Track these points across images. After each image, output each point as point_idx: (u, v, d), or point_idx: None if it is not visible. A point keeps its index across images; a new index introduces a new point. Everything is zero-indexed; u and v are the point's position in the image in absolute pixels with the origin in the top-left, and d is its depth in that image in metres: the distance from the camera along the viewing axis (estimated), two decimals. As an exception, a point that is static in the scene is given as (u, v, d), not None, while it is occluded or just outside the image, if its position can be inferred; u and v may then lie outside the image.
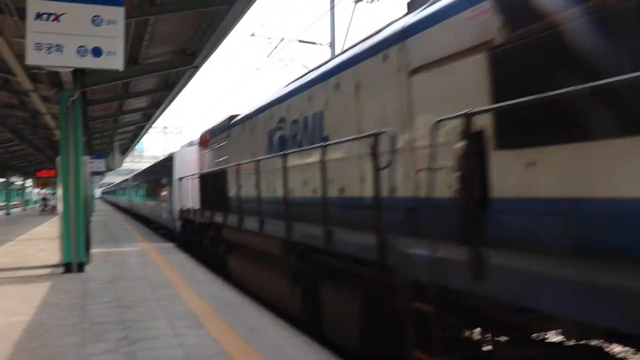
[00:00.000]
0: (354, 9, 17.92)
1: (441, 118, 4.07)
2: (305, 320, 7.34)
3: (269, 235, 8.21)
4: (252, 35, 20.11)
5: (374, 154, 4.95)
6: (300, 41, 19.89)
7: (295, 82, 9.50)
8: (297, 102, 8.68)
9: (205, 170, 15.25)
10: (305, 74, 9.40)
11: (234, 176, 11.43)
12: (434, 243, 4.07)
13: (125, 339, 6.23)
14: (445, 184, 4.65)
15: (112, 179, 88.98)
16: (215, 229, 12.49)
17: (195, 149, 18.26)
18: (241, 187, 10.11)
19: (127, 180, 48.78)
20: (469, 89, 4.63)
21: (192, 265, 12.43)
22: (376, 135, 4.98)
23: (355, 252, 5.52)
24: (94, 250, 13.25)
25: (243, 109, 14.82)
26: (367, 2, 18.16)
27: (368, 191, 6.10)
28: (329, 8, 18.47)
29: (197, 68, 14.32)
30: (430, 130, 4.06)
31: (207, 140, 15.91)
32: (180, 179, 16.36)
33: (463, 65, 4.73)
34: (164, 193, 23.18)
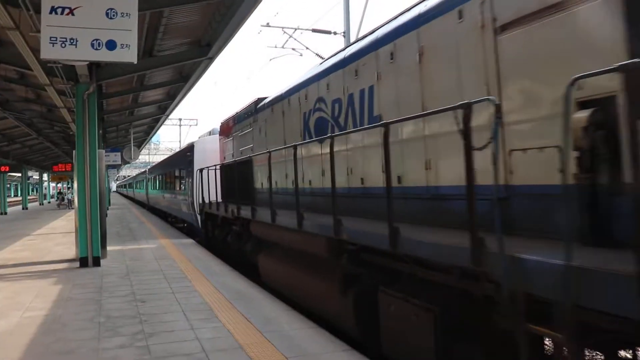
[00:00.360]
0: (368, -1, 17.73)
1: (579, 76, 2.99)
2: (358, 334, 6.27)
3: (310, 233, 7.04)
4: (267, 25, 19.98)
5: (466, 130, 3.86)
6: (314, 30, 19.75)
7: (337, 55, 8.40)
8: (340, 78, 7.70)
9: (228, 161, 14.44)
10: (347, 46, 8.39)
11: (262, 165, 10.70)
12: (568, 246, 2.99)
13: (141, 332, 6.20)
14: (549, 167, 3.73)
15: (129, 172, 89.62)
16: (241, 224, 11.40)
17: (216, 138, 17.54)
18: (272, 178, 8.97)
19: (143, 172, 47.31)
20: (590, 43, 3.67)
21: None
22: (469, 106, 3.86)
23: (433, 256, 4.46)
24: (109, 248, 13.23)
25: (267, 94, 13.67)
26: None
27: (435, 178, 5.46)
28: (343, -2, 18.30)
29: (212, 59, 14.25)
30: (565, 94, 2.97)
31: (229, 128, 15.04)
32: (201, 170, 14.56)
33: (581, 12, 3.75)
34: (183, 185, 21.74)
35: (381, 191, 5.68)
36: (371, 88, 6.78)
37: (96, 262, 11.37)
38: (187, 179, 20.18)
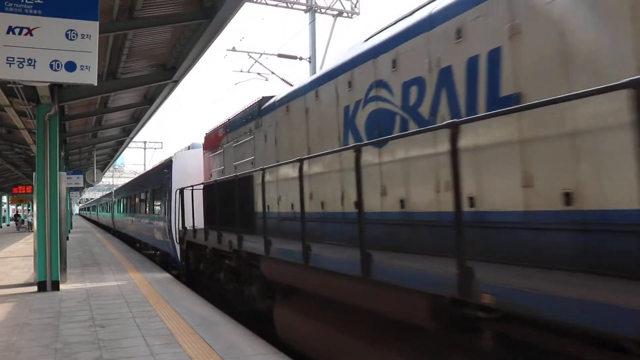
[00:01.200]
0: (333, 24, 18.02)
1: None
2: None
3: (395, 287, 4.37)
4: (233, 49, 20.07)
5: None
6: (280, 55, 19.90)
7: (409, 18, 5.83)
8: (421, 48, 5.25)
9: (216, 178, 11.89)
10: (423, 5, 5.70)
11: (283, 182, 8.44)
12: None
13: (100, 358, 6.06)
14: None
15: (92, 194, 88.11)
16: (242, 259, 8.70)
17: (198, 153, 15.25)
18: (303, 198, 6.06)
19: (109, 194, 43.03)
20: None
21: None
22: None
23: None
24: (67, 287, 12.47)
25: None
26: (347, 17, 18.29)
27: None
28: (308, 22, 18.53)
29: (177, 82, 14.22)
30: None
31: (218, 139, 12.68)
32: (182, 190, 12.14)
33: None
34: (157, 208, 18.81)
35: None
36: (495, 53, 4.35)
37: (55, 287, 11.10)
38: (163, 201, 17.38)
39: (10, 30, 7.34)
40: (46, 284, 11.04)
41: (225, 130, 12.03)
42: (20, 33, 7.39)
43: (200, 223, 11.95)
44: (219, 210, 9.97)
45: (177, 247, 14.12)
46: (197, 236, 11.35)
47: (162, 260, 18.35)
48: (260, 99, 9.97)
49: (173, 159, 16.46)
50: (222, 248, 9.35)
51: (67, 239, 16.84)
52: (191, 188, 11.68)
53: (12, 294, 10.88)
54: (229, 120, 12.00)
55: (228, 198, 9.55)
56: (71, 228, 38.49)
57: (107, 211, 43.30)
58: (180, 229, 12.84)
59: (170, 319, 8.13)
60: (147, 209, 20.90)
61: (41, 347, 6.66)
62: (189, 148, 17.38)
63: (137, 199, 24.34)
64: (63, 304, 9.57)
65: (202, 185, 11.93)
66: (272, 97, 9.68)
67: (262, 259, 7.54)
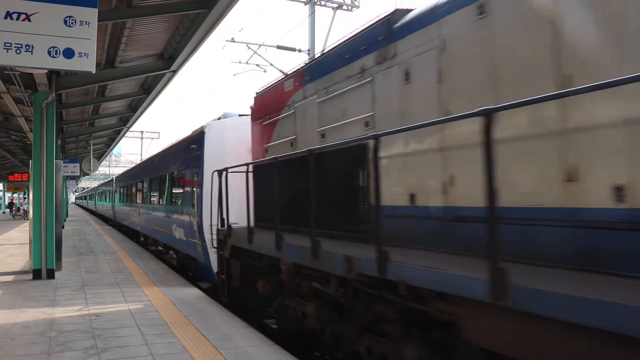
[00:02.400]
0: (333, 16, 17.96)
1: None
2: None
3: None
4: (232, 40, 20.00)
5: None
6: (279, 47, 19.84)
7: None
8: None
9: (274, 154, 7.84)
10: None
11: (429, 152, 5.01)
12: None
13: (94, 347, 6.06)
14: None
15: (88, 183, 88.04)
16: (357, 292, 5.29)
17: (239, 122, 11.50)
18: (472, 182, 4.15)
19: (110, 181, 37.48)
20: None
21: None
22: None
23: None
24: (62, 275, 12.54)
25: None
26: (347, 9, 18.24)
27: None
28: (308, 15, 18.47)
29: (175, 72, 14.18)
30: None
31: (279, 98, 8.58)
32: (222, 172, 8.33)
33: None
34: (180, 197, 13.93)
35: None
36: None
37: (50, 275, 11.08)
38: (188, 187, 12.91)
39: (8, 15, 7.29)
40: (41, 271, 11.02)
41: (300, 80, 8.00)
42: (18, 18, 7.34)
43: (239, 219, 8.49)
44: (289, 203, 6.85)
45: (211, 252, 10.30)
46: (255, 241, 7.32)
47: (180, 264, 14.77)
48: (393, 12, 5.84)
49: (206, 131, 11.88)
50: (321, 267, 5.51)
51: (63, 227, 16.76)
52: (246, 168, 8.33)
53: (6, 281, 10.86)
54: (307, 64, 8.29)
55: (308, 183, 5.75)
56: (67, 217, 38.41)
57: (107, 200, 38.33)
58: (220, 227, 8.93)
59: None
60: (163, 199, 16.23)
61: (35, 335, 6.65)
62: (224, 117, 12.97)
63: (147, 186, 19.61)
64: (58, 292, 9.55)
65: (249, 166, 8.43)
66: (410, 10, 5.76)
67: (470, 307, 3.66)
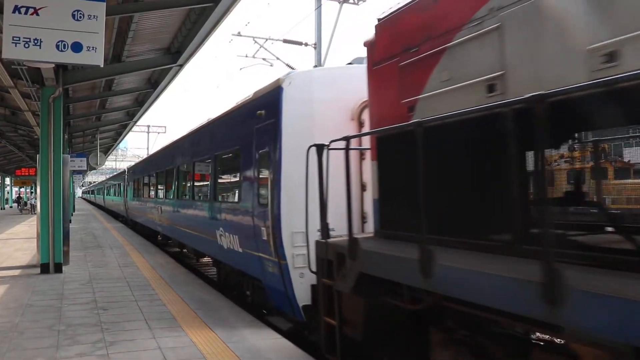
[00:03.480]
0: (339, 10, 17.89)
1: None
2: None
3: None
4: (238, 34, 19.96)
5: None
6: (286, 41, 19.78)
7: None
8: None
9: (468, 109, 3.95)
10: None
11: None
12: None
13: (102, 340, 6.08)
14: None
15: (95, 178, 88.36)
16: None
17: (337, 75, 7.96)
18: None
19: (122, 173, 32.40)
20: None
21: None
22: None
23: None
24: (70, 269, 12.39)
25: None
26: (353, 3, 18.17)
27: None
28: (314, 8, 18.41)
29: (181, 67, 14.17)
30: None
31: (453, 12, 4.58)
32: (323, 149, 5.51)
33: None
34: (237, 190, 9.50)
35: None
36: None
37: (58, 269, 11.13)
38: (251, 175, 8.57)
39: (16, 9, 7.30)
40: (49, 266, 11.07)
41: None
42: (26, 12, 7.35)
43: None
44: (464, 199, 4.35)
45: (294, 274, 6.93)
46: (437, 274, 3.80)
47: (224, 281, 10.92)
48: None
49: (284, 86, 7.53)
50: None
51: (70, 222, 16.81)
52: (372, 140, 5.60)
53: (15, 275, 10.91)
54: None
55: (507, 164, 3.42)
56: (74, 211, 38.53)
57: (117, 195, 33.89)
58: (322, 239, 5.56)
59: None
60: (202, 192, 12.46)
61: (44, 328, 6.68)
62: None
63: (174, 176, 15.03)
64: (66, 286, 9.59)
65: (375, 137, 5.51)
66: None
67: None
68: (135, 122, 25.22)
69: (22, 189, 61.38)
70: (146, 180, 21.19)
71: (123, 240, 18.77)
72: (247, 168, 8.68)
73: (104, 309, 7.76)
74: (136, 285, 9.69)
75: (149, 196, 20.33)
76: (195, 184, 12.89)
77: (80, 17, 7.62)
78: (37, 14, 7.41)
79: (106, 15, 8.15)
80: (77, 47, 7.61)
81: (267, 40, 20.04)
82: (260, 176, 8.09)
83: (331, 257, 5.31)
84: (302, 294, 6.87)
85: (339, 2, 18.00)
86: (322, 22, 18.69)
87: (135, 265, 12.35)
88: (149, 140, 55.13)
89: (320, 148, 5.48)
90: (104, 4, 7.84)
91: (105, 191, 46.84)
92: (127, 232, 22.82)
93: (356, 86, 6.67)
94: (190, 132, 13.93)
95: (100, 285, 9.64)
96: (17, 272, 11.31)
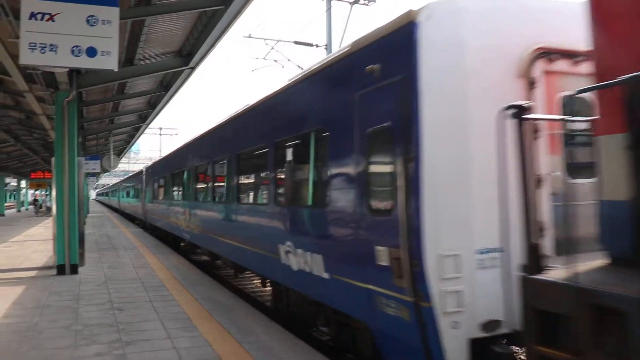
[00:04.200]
0: (350, 11, 17.94)
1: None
2: None
3: None
4: (249, 36, 20.07)
5: None
6: (297, 42, 19.86)
7: None
8: None
9: None
10: None
11: None
12: None
13: (118, 340, 6.17)
14: None
15: (108, 180, 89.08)
16: None
17: (501, 6, 4.88)
18: None
19: (139, 173, 29.61)
20: None
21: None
22: None
23: None
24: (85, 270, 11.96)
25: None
26: (364, 4, 18.20)
27: None
28: (325, 10, 18.47)
29: (193, 69, 14.27)
30: None
31: None
32: (524, 112, 3.59)
33: None
34: (329, 188, 6.03)
35: None
36: None
37: (74, 270, 11.27)
38: (354, 167, 5.52)
39: (33, 16, 7.43)
40: (65, 267, 11.22)
41: None
42: (42, 19, 7.48)
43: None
44: None
45: (444, 323, 4.29)
46: None
47: (287, 310, 8.09)
48: None
49: (420, 20, 4.61)
50: None
51: (84, 223, 16.92)
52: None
53: (32, 276, 11.06)
54: None
55: None
56: (88, 213, 38.85)
57: (135, 196, 31.11)
58: (534, 276, 3.42)
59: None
60: (259, 193, 9.65)
61: (62, 328, 6.79)
62: None
63: (209, 173, 12.16)
64: (82, 287, 9.72)
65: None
66: None
67: None
68: (148, 124, 25.39)
69: (38, 192, 62.03)
70: (170, 179, 18.10)
71: (137, 242, 18.92)
72: (340, 156, 5.87)
73: (120, 309, 7.86)
74: (151, 286, 9.80)
75: (173, 198, 17.34)
76: (241, 182, 9.97)
77: (94, 22, 7.74)
78: (53, 20, 7.54)
79: (119, 20, 8.27)
80: (91, 52, 7.73)
81: (278, 42, 20.12)
82: (372, 168, 5.27)
83: (560, 309, 3.14)
84: (456, 355, 4.32)
85: (350, 3, 18.05)
86: (333, 23, 18.76)
87: (149, 266, 12.48)
88: (161, 142, 55.32)
89: (519, 112, 3.56)
90: (118, 9, 7.95)
91: (120, 193, 43.90)
92: (143, 234, 22.96)
93: (523, 25, 4.75)
94: (230, 117, 10.91)
95: (116, 286, 9.76)
96: (34, 273, 11.47)
